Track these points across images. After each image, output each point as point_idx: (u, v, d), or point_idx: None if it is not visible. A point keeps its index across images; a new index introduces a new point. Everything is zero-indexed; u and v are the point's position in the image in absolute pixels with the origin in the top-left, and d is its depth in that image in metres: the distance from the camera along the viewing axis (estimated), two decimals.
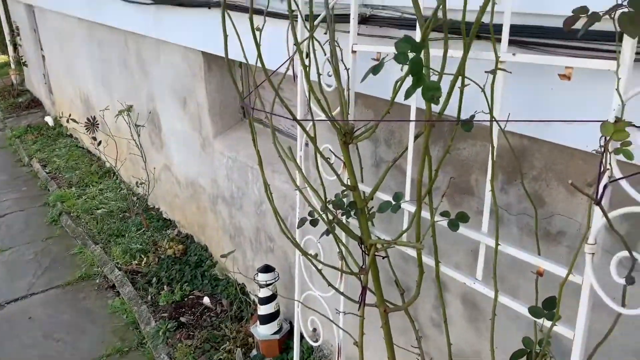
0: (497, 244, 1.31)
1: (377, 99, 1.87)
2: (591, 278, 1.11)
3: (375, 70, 1.16)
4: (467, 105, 1.32)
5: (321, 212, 1.72)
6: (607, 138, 0.94)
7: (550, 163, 1.39)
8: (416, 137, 1.58)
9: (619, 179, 0.94)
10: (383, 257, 1.71)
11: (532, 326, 1.42)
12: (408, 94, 1.12)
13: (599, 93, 1.16)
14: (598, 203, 0.92)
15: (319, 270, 1.78)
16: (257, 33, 1.44)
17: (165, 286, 3.55)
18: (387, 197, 1.61)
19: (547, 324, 1.25)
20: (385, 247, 1.61)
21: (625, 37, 1.00)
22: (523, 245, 1.49)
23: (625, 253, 1.03)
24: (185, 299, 3.42)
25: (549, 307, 1.24)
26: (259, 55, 1.42)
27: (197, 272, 3.64)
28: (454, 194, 1.67)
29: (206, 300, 3.37)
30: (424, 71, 1.12)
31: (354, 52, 1.71)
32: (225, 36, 1.44)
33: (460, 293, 1.76)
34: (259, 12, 2.05)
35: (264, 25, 1.49)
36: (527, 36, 1.26)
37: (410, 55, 1.09)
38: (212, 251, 3.79)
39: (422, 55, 1.11)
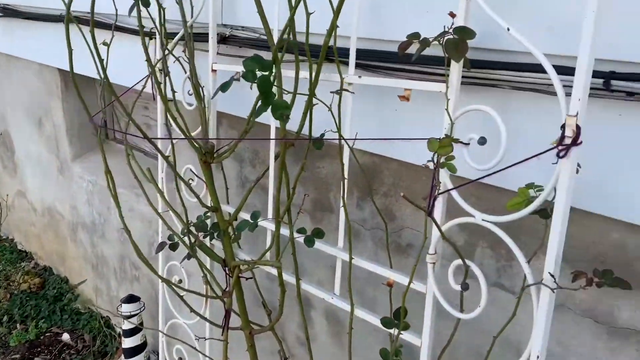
0: (350, 258, 1.34)
1: (242, 119, 1.86)
2: (433, 286, 1.18)
3: (223, 87, 1.15)
4: (324, 125, 1.36)
5: (182, 236, 1.67)
6: (436, 154, 1.01)
7: (398, 180, 1.46)
8: (277, 157, 1.59)
9: (446, 191, 1.01)
10: (247, 279, 1.69)
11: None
12: (259, 112, 1.12)
13: (435, 113, 1.25)
14: (429, 214, 0.99)
15: (181, 297, 1.71)
16: (106, 48, 1.37)
17: (18, 324, 3.21)
18: None
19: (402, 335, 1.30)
20: (250, 267, 1.59)
21: (453, 62, 1.09)
22: (378, 258, 1.55)
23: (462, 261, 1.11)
24: (42, 337, 3.11)
25: (399, 317, 1.29)
26: (104, 72, 1.35)
27: (56, 307, 3.34)
28: (315, 212, 1.71)
29: (66, 336, 3.09)
30: (275, 91, 1.13)
31: (213, 70, 1.69)
32: (70, 50, 1.36)
33: (323, 310, 1.79)
34: (119, 28, 1.97)
35: (111, 40, 1.43)
36: (373, 60, 1.33)
37: (260, 74, 1.10)
38: (73, 283, 3.50)
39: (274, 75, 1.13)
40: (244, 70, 1.07)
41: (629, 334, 1.10)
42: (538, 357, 0.96)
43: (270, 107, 1.10)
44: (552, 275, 0.89)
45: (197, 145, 1.56)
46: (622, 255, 1.08)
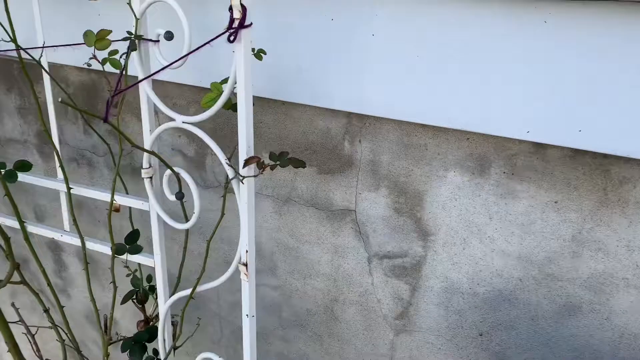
0: (69, 188, 1.20)
1: None
2: (153, 202, 1.10)
3: None
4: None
5: None
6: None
7: (129, 95, 1.33)
8: None
9: (121, 91, 0.91)
10: None
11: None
12: None
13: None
14: (105, 120, 0.89)
15: None
16: None
17: None
18: None
19: (135, 258, 1.22)
20: None
21: None
22: (118, 185, 1.42)
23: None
24: None
25: (131, 241, 1.20)
26: None
27: None
28: (42, 145, 1.50)
29: None
30: None
31: None
32: None
33: (75, 252, 1.64)
34: None
35: None
36: None
37: None
38: None
39: None
40: None
41: (344, 214, 1.15)
42: (247, 251, 0.95)
43: None
44: (231, 165, 0.86)
45: None
46: (328, 141, 1.11)
